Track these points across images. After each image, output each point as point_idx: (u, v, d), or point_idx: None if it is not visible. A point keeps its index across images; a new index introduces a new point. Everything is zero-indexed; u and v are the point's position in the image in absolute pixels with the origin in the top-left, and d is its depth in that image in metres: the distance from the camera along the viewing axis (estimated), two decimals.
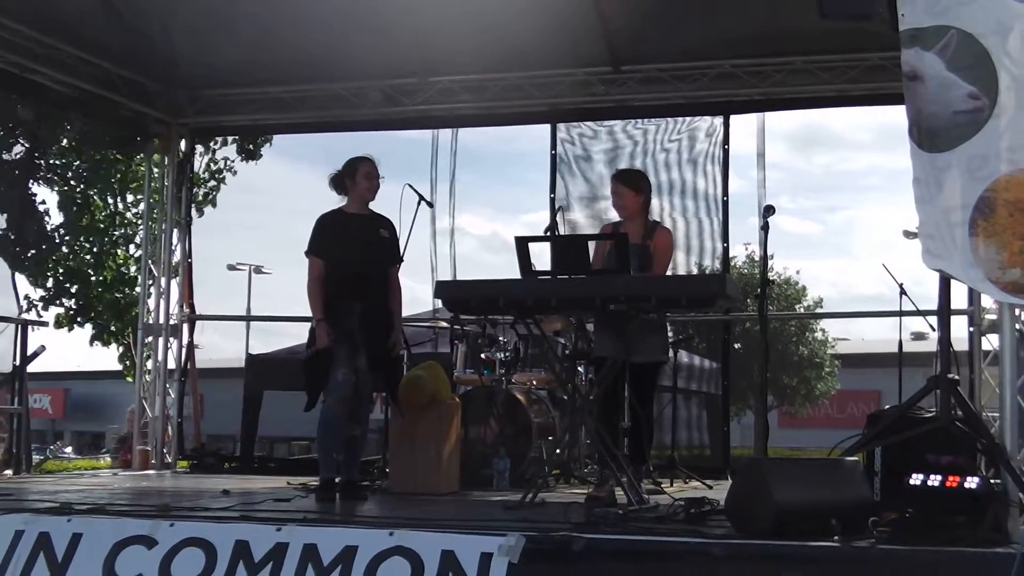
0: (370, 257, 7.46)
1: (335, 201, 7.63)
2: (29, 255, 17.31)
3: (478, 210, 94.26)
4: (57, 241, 18.14)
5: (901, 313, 9.64)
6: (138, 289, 12.15)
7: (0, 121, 17.09)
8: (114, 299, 18.05)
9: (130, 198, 18.38)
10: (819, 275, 77.66)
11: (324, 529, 5.17)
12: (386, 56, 10.40)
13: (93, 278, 17.98)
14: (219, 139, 16.61)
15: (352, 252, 7.41)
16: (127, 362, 18.12)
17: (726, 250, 10.78)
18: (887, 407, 7.10)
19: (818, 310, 35.59)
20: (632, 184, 7.58)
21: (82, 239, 18.04)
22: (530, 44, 10.02)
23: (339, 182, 7.58)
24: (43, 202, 17.92)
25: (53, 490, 7.59)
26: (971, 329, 9.42)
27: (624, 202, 7.51)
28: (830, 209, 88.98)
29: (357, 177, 7.54)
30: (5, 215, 17.30)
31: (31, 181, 17.20)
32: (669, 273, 8.09)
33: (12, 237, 17.28)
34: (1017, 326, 5.72)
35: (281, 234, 78.74)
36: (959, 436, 5.83)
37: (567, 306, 7.08)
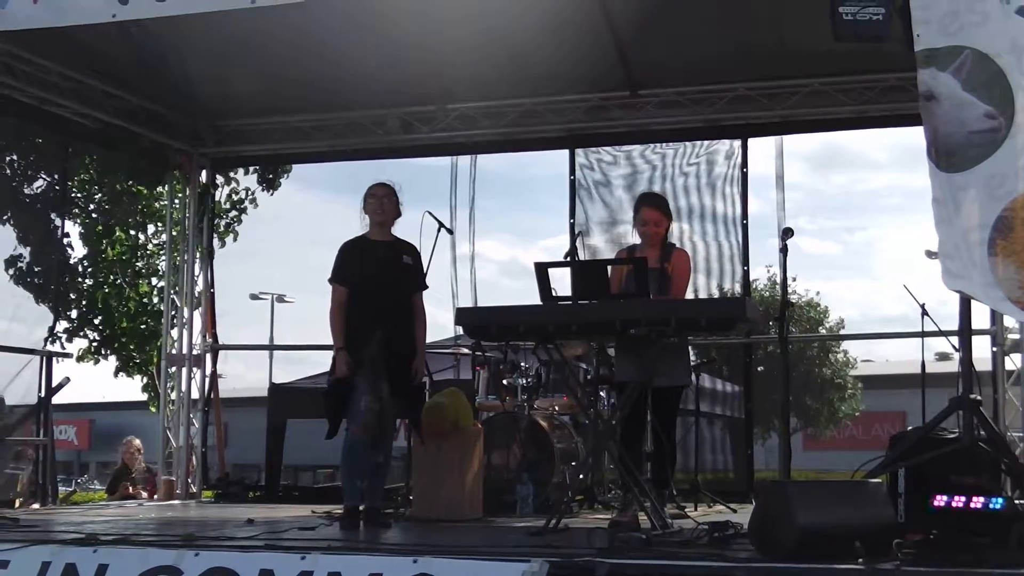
0: (392, 283, 7.47)
1: (358, 228, 7.68)
2: (52, 287, 17.42)
3: (497, 236, 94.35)
4: (80, 273, 18.26)
5: (923, 334, 9.60)
6: (163, 320, 12.20)
7: (23, 154, 17.26)
8: (137, 330, 18.13)
9: (151, 229, 18.50)
10: (842, 296, 77.29)
11: (348, 557, 5.18)
12: (403, 84, 10.45)
13: (117, 309, 18.07)
14: (240, 169, 16.71)
15: (374, 279, 7.42)
16: (151, 392, 18.20)
17: (746, 273, 10.79)
18: (910, 428, 7.08)
19: (840, 331, 35.51)
20: (667, 211, 7.66)
21: (105, 271, 18.14)
22: (546, 70, 10.07)
23: (363, 211, 7.64)
24: (67, 234, 18.06)
25: (79, 521, 7.62)
26: (994, 349, 9.39)
27: (658, 229, 7.54)
28: (849, 230, 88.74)
29: (365, 202, 7.60)
30: (29, 247, 17.44)
31: (53, 213, 17.32)
32: (689, 296, 8.11)
33: (36, 269, 17.40)
34: None
35: (304, 262, 78.94)
36: (983, 456, 5.81)
37: (588, 331, 7.09)
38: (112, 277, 18.13)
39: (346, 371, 7.26)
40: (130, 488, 12.19)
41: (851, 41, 5.83)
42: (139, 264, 18.39)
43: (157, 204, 17.51)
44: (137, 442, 12.58)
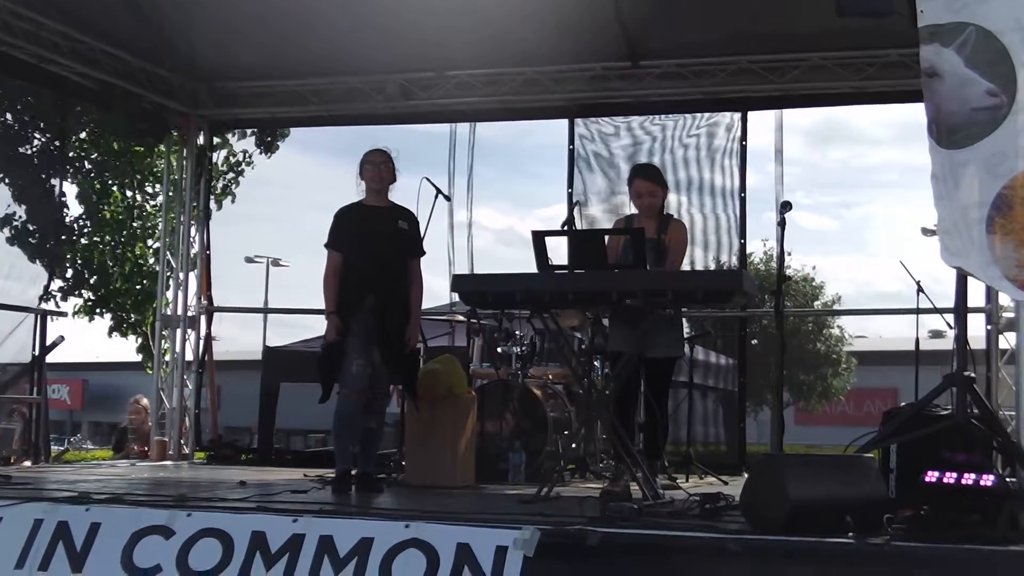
0: (387, 249, 7.44)
1: (355, 193, 7.65)
2: (48, 246, 17.39)
3: (494, 204, 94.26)
4: (76, 232, 18.23)
5: (918, 311, 9.60)
6: (158, 281, 12.21)
7: (18, 113, 17.20)
8: (133, 290, 18.13)
9: (149, 190, 18.45)
10: (837, 272, 77.38)
11: (340, 521, 5.19)
12: (403, 50, 10.41)
13: (112, 269, 18.05)
14: (237, 132, 16.64)
15: (369, 244, 7.39)
16: (145, 353, 18.19)
17: (743, 246, 10.80)
18: (903, 404, 7.09)
19: (835, 307, 35.53)
20: (660, 181, 7.66)
21: (102, 231, 18.11)
22: (547, 38, 10.02)
23: (359, 177, 7.61)
24: (63, 194, 18.03)
25: (71, 479, 7.63)
26: (988, 327, 9.41)
27: (654, 200, 7.54)
28: (846, 205, 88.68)
29: (363, 167, 7.57)
30: (24, 206, 17.40)
31: (50, 172, 17.28)
32: (686, 268, 8.11)
33: (31, 228, 17.37)
34: None
35: (299, 227, 78.71)
36: (975, 434, 5.83)
37: (583, 301, 7.09)
38: (108, 237, 18.10)
39: (335, 336, 7.26)
40: (134, 447, 12.22)
41: (853, 15, 5.83)
42: (135, 224, 18.35)
43: (160, 162, 17.43)
44: (145, 401, 12.57)
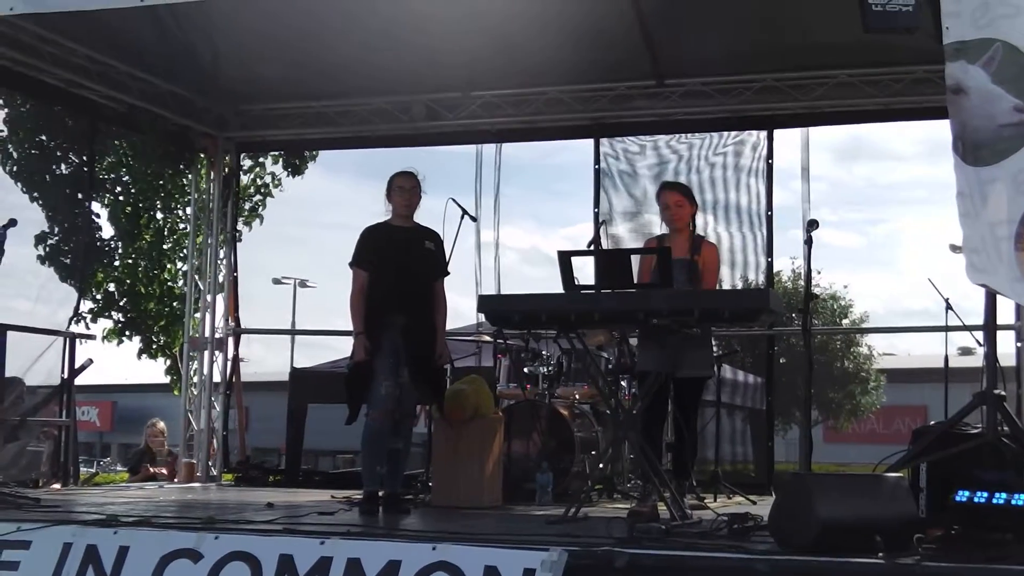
0: (414, 269, 7.48)
1: (381, 214, 7.68)
2: (80, 267, 17.44)
3: (518, 223, 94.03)
4: (108, 254, 18.27)
5: (947, 328, 9.54)
6: (186, 303, 12.25)
7: (52, 135, 17.30)
8: (163, 312, 18.18)
9: (180, 213, 18.49)
10: (863, 289, 76.65)
11: (368, 543, 5.18)
12: (428, 70, 10.44)
13: (143, 291, 18.10)
14: (268, 155, 16.66)
15: (395, 264, 7.43)
16: (174, 375, 18.23)
17: (770, 264, 10.76)
18: (933, 422, 7.05)
19: (863, 325, 35.32)
20: (688, 195, 7.64)
21: (132, 252, 18.16)
22: (572, 58, 10.04)
23: (387, 198, 7.64)
24: (97, 215, 18.09)
25: (100, 502, 7.66)
26: (1018, 344, 9.34)
27: (681, 212, 7.51)
28: (872, 222, 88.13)
29: (392, 191, 7.59)
30: (57, 228, 17.48)
31: (83, 194, 17.35)
32: None
33: (64, 248, 17.44)
34: None
35: (326, 248, 78.82)
36: (1006, 452, 5.78)
37: (610, 320, 7.08)
38: (140, 260, 18.15)
39: (364, 356, 7.27)
40: (151, 469, 12.25)
41: (880, 32, 5.79)
42: (165, 246, 18.40)
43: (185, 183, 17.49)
44: (161, 424, 12.63)
